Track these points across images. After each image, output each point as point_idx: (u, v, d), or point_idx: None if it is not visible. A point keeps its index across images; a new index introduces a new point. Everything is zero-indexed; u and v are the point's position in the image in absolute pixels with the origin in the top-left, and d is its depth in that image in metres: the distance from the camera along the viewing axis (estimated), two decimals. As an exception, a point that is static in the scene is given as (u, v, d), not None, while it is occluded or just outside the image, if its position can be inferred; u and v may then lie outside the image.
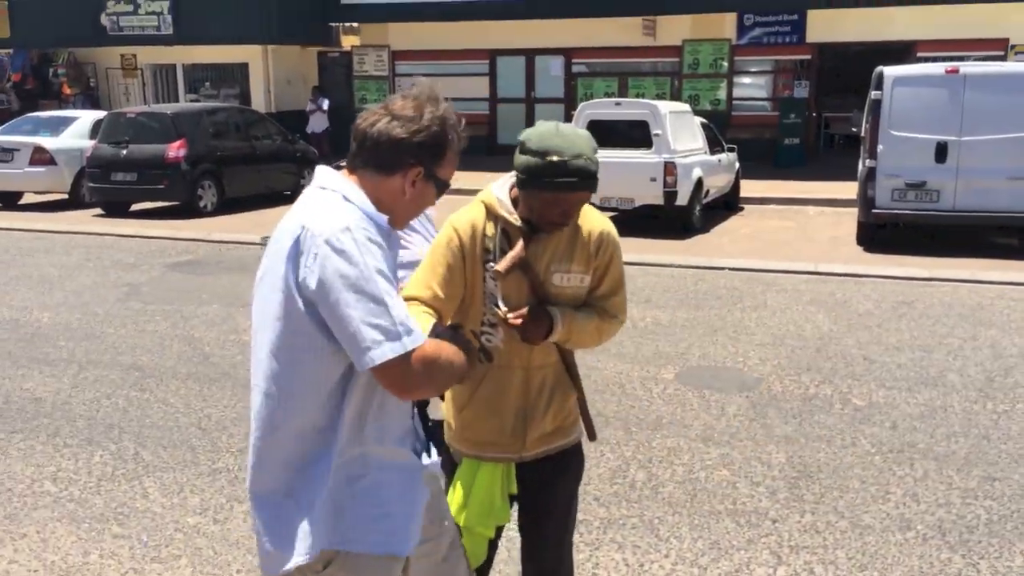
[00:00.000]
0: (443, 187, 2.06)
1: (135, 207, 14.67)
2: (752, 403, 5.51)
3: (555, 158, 2.31)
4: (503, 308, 2.44)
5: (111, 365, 6.35)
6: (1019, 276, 8.94)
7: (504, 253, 2.45)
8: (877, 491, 4.32)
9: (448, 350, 1.96)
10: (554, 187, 2.32)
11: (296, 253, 1.86)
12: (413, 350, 1.84)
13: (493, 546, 2.72)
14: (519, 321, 2.40)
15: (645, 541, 3.86)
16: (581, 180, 2.33)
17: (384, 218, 1.97)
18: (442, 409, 2.72)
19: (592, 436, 2.75)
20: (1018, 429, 5.06)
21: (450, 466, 2.66)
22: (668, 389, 5.74)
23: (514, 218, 2.45)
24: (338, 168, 2.01)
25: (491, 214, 2.49)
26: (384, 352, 1.81)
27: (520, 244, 2.43)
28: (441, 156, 1.99)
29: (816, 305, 7.91)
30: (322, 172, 2.02)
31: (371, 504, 1.97)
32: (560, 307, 2.47)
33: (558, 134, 2.36)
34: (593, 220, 2.55)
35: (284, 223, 1.98)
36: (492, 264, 2.45)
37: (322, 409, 1.92)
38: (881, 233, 11.20)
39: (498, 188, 2.52)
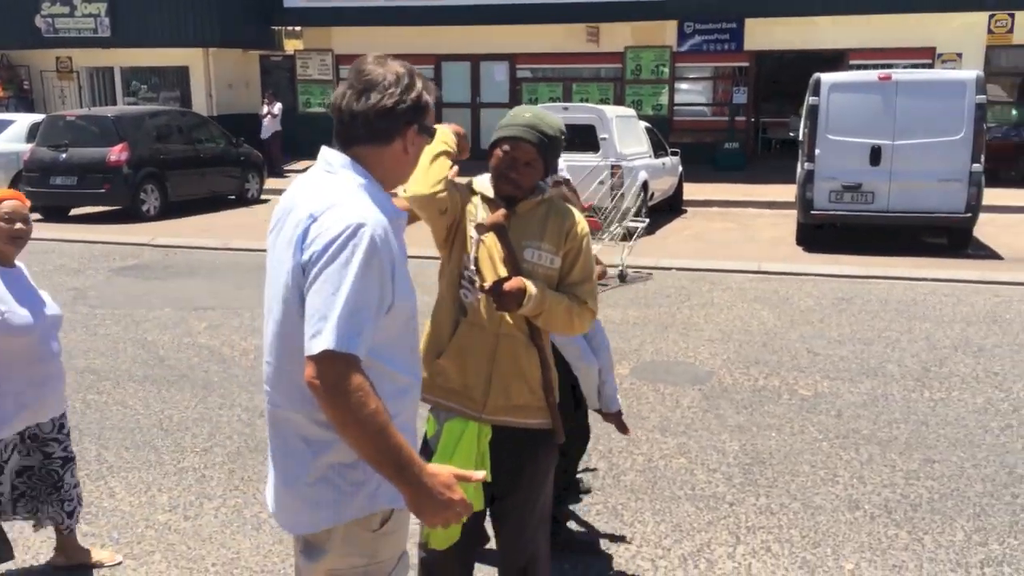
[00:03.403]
0: (432, 133, 2.16)
1: (75, 211, 14.40)
2: (704, 395, 5.71)
3: (508, 119, 2.73)
4: (472, 268, 2.65)
5: (64, 368, 6.25)
6: (949, 273, 9.36)
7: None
8: (826, 474, 4.54)
9: (374, 395, 1.81)
10: (502, 138, 2.68)
11: (303, 241, 1.89)
12: (351, 355, 1.79)
13: (475, 533, 2.81)
14: (498, 285, 2.55)
15: (610, 525, 4.00)
16: (521, 128, 2.65)
17: (399, 210, 2.03)
18: None
19: (560, 438, 2.83)
20: (954, 415, 5.35)
21: (426, 456, 2.75)
22: (624, 384, 5.91)
23: (491, 194, 2.74)
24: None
25: (474, 191, 2.78)
26: (322, 342, 1.78)
27: (504, 210, 2.67)
28: (426, 108, 2.07)
29: (760, 302, 8.18)
30: (328, 153, 2.04)
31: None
32: (535, 281, 2.63)
33: (523, 108, 2.81)
34: (566, 211, 2.79)
35: (289, 204, 2.01)
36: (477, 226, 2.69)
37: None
38: (819, 233, 11.59)
39: (479, 178, 2.80)
